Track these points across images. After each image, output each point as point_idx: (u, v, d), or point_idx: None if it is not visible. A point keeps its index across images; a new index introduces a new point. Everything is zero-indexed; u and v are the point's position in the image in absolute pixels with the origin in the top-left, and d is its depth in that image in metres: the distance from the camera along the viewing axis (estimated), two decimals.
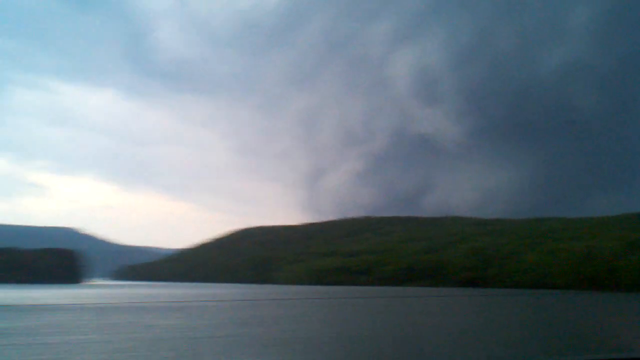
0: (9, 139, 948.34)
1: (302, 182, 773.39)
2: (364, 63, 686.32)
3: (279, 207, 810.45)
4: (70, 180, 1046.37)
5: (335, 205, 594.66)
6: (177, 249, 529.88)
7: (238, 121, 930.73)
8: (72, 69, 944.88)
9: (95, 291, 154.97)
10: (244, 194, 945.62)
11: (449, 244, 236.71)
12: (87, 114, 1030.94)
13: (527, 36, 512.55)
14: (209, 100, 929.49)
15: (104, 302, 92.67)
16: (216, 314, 66.06)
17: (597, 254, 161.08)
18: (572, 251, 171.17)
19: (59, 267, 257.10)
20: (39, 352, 30.68)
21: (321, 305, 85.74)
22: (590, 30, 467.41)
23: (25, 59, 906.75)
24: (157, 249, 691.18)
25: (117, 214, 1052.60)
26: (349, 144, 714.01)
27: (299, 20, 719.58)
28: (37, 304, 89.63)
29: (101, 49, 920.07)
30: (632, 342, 34.87)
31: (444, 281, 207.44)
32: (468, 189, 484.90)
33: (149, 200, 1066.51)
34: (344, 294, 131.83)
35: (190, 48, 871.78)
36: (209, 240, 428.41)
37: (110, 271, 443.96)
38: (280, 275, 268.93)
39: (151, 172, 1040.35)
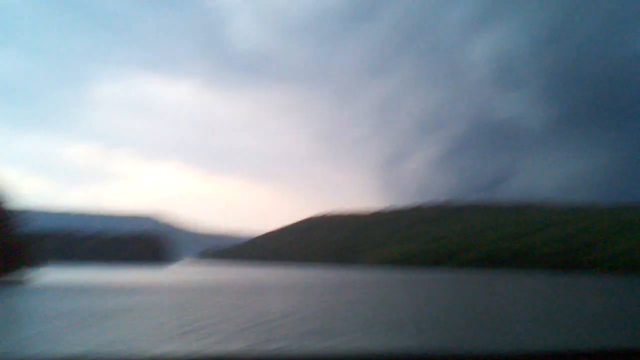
0: (95, 129, 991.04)
1: (379, 168, 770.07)
2: (442, 49, 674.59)
3: (356, 193, 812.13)
4: (152, 168, 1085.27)
5: (412, 191, 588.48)
6: (258, 233, 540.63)
7: (315, 109, 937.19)
8: (154, 61, 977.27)
9: (193, 273, 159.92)
10: (322, 180, 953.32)
11: (535, 230, 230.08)
12: (170, 103, 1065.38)
13: (614, 15, 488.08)
14: (285, 88, 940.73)
15: (208, 283, 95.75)
16: (322, 295, 66.81)
17: None
18: None
19: (146, 251, 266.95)
20: (181, 325, 31.82)
21: (411, 289, 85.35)
22: None
23: (110, 53, 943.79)
24: (237, 232, 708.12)
25: (199, 199, 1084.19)
26: (427, 131, 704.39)
27: (375, 7, 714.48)
28: (145, 284, 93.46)
29: (181, 41, 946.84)
30: None
31: (530, 267, 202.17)
32: (551, 175, 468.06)
33: (229, 187, 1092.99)
34: (431, 278, 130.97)
35: (267, 38, 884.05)
36: (289, 225, 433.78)
37: (193, 255, 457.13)
38: (364, 259, 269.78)
39: (230, 159, 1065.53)
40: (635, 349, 7.37)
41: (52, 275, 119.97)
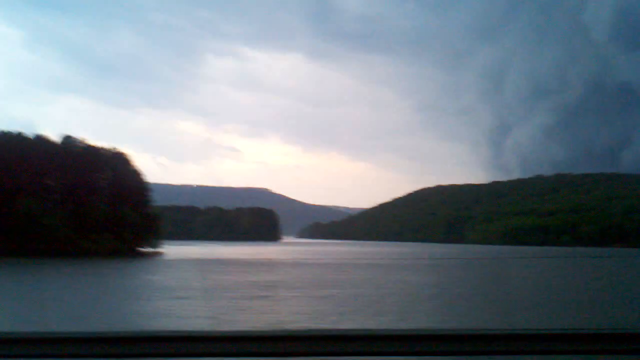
0: (203, 105, 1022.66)
1: (486, 139, 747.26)
2: (558, 8, 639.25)
3: (460, 166, 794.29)
4: (258, 143, 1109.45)
5: (522, 162, 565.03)
6: (360, 208, 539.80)
7: (419, 78, 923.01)
8: (259, 35, 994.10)
9: (314, 248, 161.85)
10: (424, 153, 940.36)
11: None
12: (274, 78, 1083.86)
13: None
14: (390, 57, 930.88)
15: (337, 259, 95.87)
16: (447, 271, 64.89)
17: None
18: None
19: (260, 225, 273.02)
20: (338, 304, 31.17)
21: (535, 266, 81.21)
22: None
23: (217, 28, 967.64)
24: (340, 207, 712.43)
25: (303, 174, 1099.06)
26: (539, 97, 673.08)
27: None
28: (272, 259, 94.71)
29: (286, 13, 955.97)
30: None
31: None
32: None
33: (332, 161, 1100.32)
34: (557, 254, 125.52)
35: (372, 6, 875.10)
36: (393, 199, 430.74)
37: (299, 229, 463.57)
38: (472, 234, 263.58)
39: (333, 132, 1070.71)
40: None
41: (179, 249, 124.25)
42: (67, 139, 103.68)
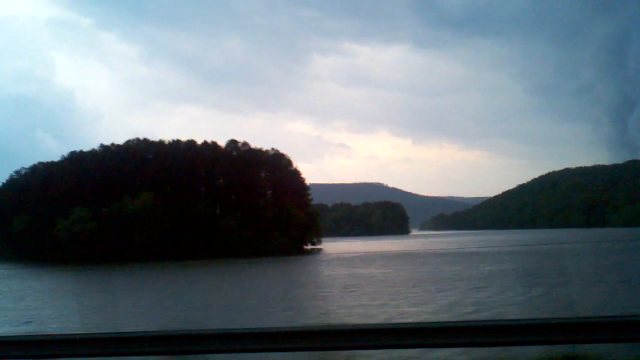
0: (311, 104, 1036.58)
1: (609, 117, 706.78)
2: None
3: (582, 147, 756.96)
4: (367, 138, 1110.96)
5: None
6: (476, 197, 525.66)
7: (531, 58, 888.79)
8: (363, 30, 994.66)
9: (459, 239, 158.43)
10: (540, 137, 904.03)
11: None
12: (380, 71, 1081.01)
13: None
14: (499, 40, 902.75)
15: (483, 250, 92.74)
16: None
17: None
18: None
19: (389, 219, 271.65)
20: None
21: None
22: None
23: (321, 26, 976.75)
24: (455, 198, 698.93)
25: (414, 166, 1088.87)
26: None
27: None
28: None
29: (390, 5, 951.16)
30: None
31: None
32: None
33: (443, 151, 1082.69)
34: None
35: None
36: (518, 185, 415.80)
37: (420, 222, 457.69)
38: (616, 218, 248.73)
39: (443, 122, 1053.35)
40: None
41: (333, 246, 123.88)
42: (231, 143, 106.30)
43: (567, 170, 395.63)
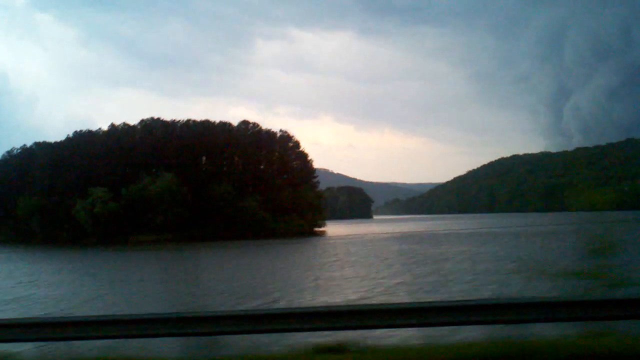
0: (253, 89, 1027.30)
1: (545, 106, 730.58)
2: None
3: (519, 134, 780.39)
4: (311, 124, 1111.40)
5: (584, 127, 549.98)
6: (422, 183, 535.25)
7: (472, 48, 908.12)
8: (308, 16, 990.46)
9: (427, 223, 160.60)
10: (480, 124, 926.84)
11: None
12: (324, 58, 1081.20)
13: None
14: (441, 29, 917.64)
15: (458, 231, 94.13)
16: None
17: None
18: None
19: (355, 204, 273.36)
20: None
21: None
22: None
23: (265, 12, 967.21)
24: (399, 184, 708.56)
25: (357, 152, 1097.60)
26: (601, 58, 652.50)
27: None
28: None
29: None
30: None
31: None
32: None
33: (386, 137, 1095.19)
34: None
35: None
36: (467, 172, 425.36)
37: (373, 207, 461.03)
38: (575, 202, 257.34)
39: (386, 109, 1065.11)
40: None
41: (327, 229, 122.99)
42: (243, 124, 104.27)
43: (516, 156, 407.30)
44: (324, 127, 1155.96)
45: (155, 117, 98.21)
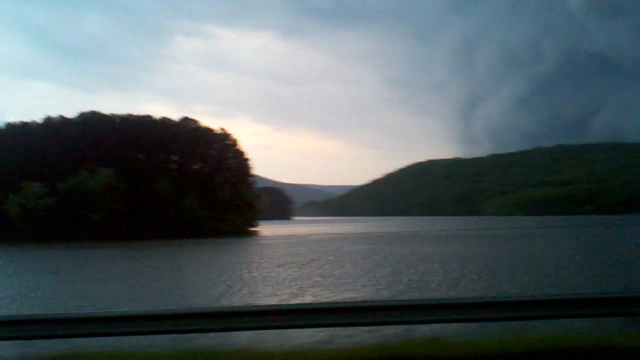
0: (171, 86, 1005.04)
1: (456, 112, 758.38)
2: None
3: (431, 140, 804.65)
4: (228, 123, 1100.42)
5: (492, 134, 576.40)
6: (338, 185, 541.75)
7: (390, 53, 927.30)
8: (229, 14, 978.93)
9: (342, 226, 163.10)
10: (395, 128, 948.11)
11: None
12: (244, 57, 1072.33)
13: None
14: (361, 33, 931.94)
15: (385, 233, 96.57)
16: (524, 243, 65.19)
17: None
18: None
19: (276, 204, 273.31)
20: None
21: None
22: None
23: (187, 7, 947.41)
24: (315, 186, 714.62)
25: (274, 153, 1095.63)
26: (511, 69, 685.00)
27: None
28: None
29: None
30: None
31: None
32: None
33: (303, 139, 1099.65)
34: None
35: None
36: (385, 175, 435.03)
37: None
38: (488, 207, 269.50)
39: (304, 110, 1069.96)
40: None
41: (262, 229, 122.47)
42: (184, 120, 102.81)
43: (431, 161, 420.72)
44: (242, 127, 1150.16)
45: (94, 110, 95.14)
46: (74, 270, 41.03)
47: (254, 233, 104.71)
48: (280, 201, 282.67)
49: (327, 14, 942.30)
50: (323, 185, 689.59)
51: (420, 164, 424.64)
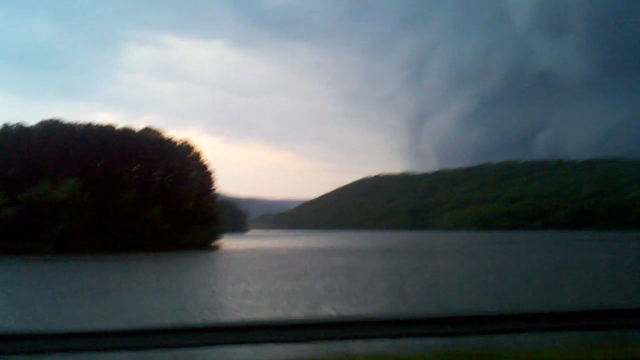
0: (120, 94, 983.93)
1: (406, 127, 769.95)
2: None
3: (382, 154, 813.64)
4: (180, 134, 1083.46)
5: (440, 149, 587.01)
6: (289, 200, 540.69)
7: (342, 66, 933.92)
8: (182, 23, 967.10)
9: (311, 238, 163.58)
10: (347, 142, 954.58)
11: (623, 186, 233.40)
12: (196, 66, 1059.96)
13: None
14: (314, 46, 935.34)
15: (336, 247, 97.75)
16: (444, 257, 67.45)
17: None
18: None
19: (233, 217, 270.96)
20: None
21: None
22: None
23: (137, 15, 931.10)
24: (265, 199, 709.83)
25: (225, 165, 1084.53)
26: (459, 85, 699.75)
27: None
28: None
29: (210, 0, 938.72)
30: None
31: (623, 224, 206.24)
32: (590, 128, 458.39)
33: (253, 152, 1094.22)
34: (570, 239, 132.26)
35: None
36: (337, 189, 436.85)
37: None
38: (440, 222, 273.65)
39: (256, 122, 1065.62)
40: None
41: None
42: (147, 131, 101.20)
43: (382, 176, 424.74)
44: (192, 138, 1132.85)
45: (56, 118, 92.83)
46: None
47: (217, 247, 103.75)
48: (235, 214, 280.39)
49: (280, 25, 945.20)
50: (274, 199, 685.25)
51: (371, 178, 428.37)
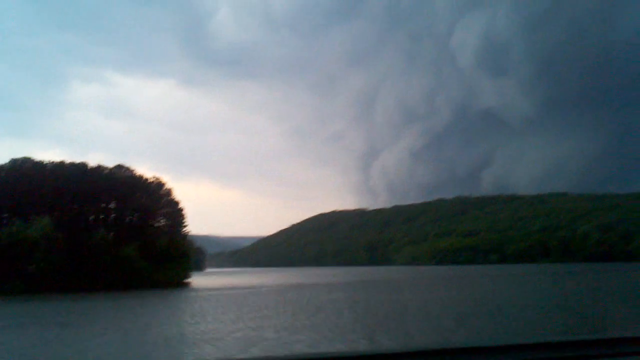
0: (66, 132, 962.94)
1: (355, 164, 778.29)
2: (427, 35, 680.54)
3: (332, 191, 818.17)
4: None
5: (389, 186, 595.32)
6: (240, 237, 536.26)
7: (291, 104, 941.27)
8: (129, 60, 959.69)
9: (257, 277, 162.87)
10: (296, 179, 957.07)
11: (573, 220, 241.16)
12: (144, 104, 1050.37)
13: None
14: (263, 84, 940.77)
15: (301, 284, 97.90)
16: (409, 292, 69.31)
17: None
18: None
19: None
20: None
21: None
22: None
23: (84, 52, 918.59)
24: (220, 237, 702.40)
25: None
26: (407, 122, 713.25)
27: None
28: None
29: (159, 38, 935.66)
30: None
31: (574, 257, 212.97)
32: (535, 163, 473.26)
33: (202, 189, 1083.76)
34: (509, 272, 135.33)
35: (247, 32, 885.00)
36: (293, 225, 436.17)
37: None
38: (398, 257, 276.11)
39: (204, 160, 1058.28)
40: None
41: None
42: (118, 168, 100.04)
43: (335, 212, 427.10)
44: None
45: (27, 156, 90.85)
46: None
47: (189, 285, 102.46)
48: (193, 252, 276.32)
49: (228, 63, 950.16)
50: (227, 236, 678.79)
51: (326, 214, 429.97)
